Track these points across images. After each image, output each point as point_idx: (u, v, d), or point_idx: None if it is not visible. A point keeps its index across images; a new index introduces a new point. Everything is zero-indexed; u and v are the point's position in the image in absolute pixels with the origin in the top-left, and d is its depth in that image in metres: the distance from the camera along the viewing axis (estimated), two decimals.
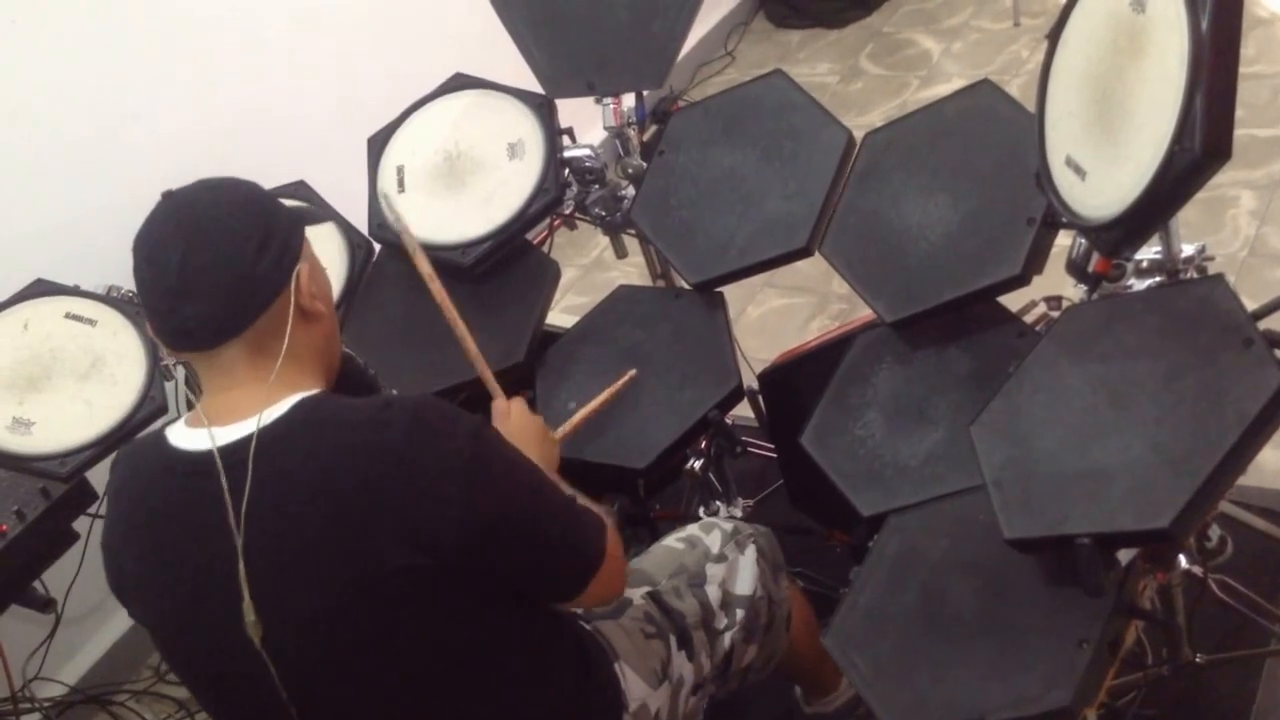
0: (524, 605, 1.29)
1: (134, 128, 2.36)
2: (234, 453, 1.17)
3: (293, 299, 1.21)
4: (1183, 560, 1.48)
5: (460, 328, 1.63)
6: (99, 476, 1.61)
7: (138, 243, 1.20)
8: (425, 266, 1.63)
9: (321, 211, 1.37)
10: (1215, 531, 1.49)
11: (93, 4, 2.28)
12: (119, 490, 1.29)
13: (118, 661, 2.40)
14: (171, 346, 1.24)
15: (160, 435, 1.25)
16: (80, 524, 1.86)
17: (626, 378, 1.75)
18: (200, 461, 1.18)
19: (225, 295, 1.18)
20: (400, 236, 1.68)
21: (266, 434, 1.16)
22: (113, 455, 1.41)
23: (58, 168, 2.25)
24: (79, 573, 1.99)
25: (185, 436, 1.22)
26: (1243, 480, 1.21)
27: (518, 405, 1.59)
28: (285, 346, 1.20)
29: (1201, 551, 1.49)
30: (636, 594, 1.53)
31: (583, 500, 1.34)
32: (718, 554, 1.60)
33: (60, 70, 2.24)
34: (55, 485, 1.76)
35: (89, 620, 2.32)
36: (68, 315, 1.86)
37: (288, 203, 1.39)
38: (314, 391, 1.22)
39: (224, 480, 1.16)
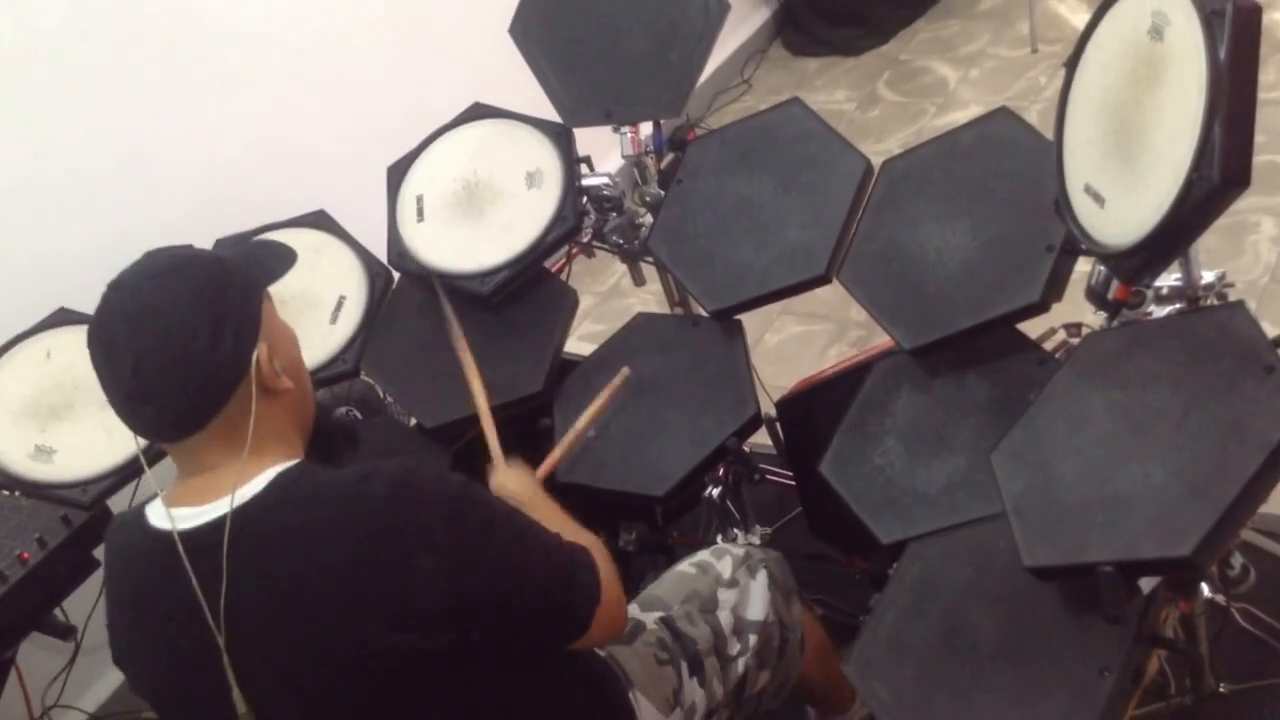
0: (530, 650, 1.27)
1: (156, 158, 2.39)
2: (210, 534, 1.15)
3: (255, 382, 1.18)
4: (1205, 589, 1.46)
5: (481, 398, 1.68)
6: (120, 504, 1.62)
7: (90, 340, 1.18)
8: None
9: (288, 253, 1.35)
10: (1238, 560, 1.47)
11: (115, 36, 2.31)
12: (109, 566, 1.29)
13: None
14: (141, 436, 1.22)
15: (141, 514, 1.23)
16: (101, 551, 1.87)
17: (620, 378, 1.71)
18: (176, 544, 1.16)
19: (184, 394, 1.16)
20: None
21: (241, 515, 1.15)
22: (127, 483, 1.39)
23: (80, 197, 2.27)
24: (99, 600, 1.99)
25: (163, 517, 1.20)
26: (1265, 508, 1.20)
27: (519, 475, 1.58)
28: (253, 426, 1.18)
29: (1224, 580, 1.48)
30: (650, 619, 1.53)
31: (571, 533, 1.32)
32: (729, 579, 1.60)
33: (83, 101, 2.27)
34: (77, 513, 1.77)
35: (109, 648, 2.32)
36: None
37: (263, 239, 1.34)
38: (289, 464, 1.20)
39: (191, 573, 1.14)
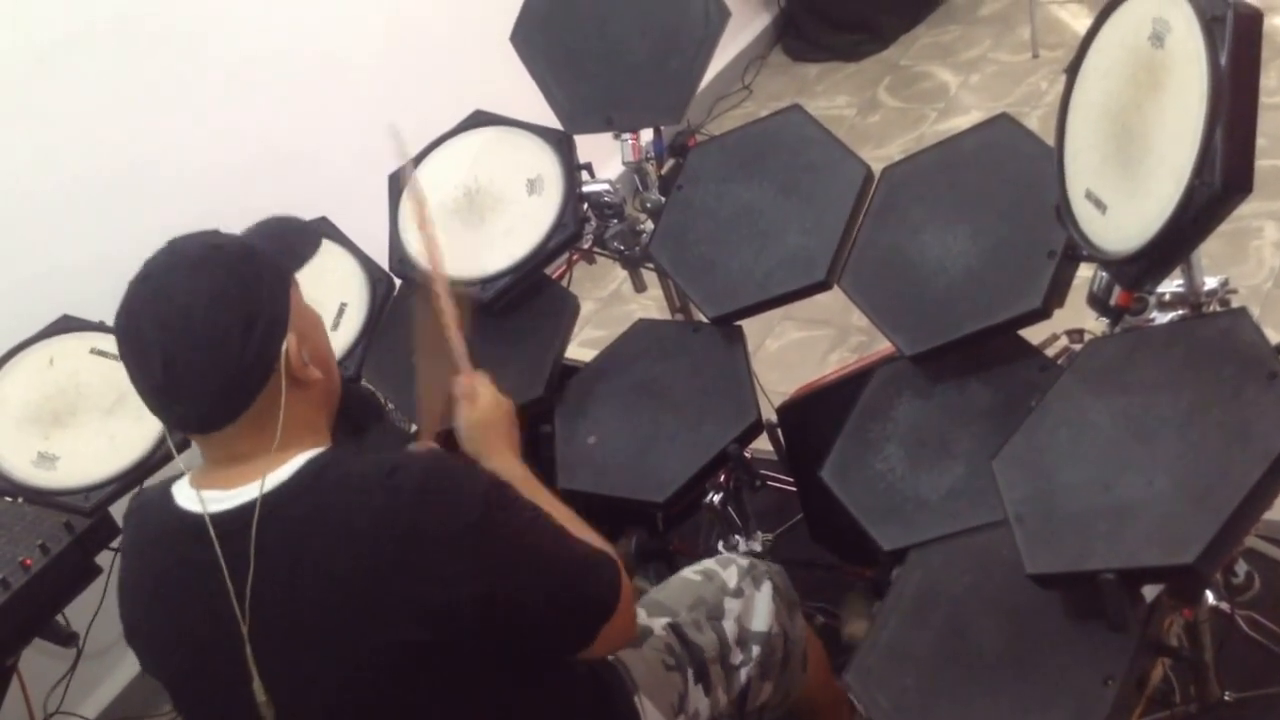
0: (537, 655, 1.27)
1: (159, 166, 2.39)
2: (237, 518, 1.15)
3: (284, 374, 1.18)
4: (1209, 596, 1.46)
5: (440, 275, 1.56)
6: (122, 510, 1.62)
7: (118, 333, 1.17)
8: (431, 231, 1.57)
9: (313, 234, 1.35)
10: (1242, 567, 1.47)
11: (119, 45, 2.32)
12: (130, 543, 1.28)
13: (138, 696, 2.40)
14: (170, 429, 1.22)
15: (167, 492, 1.23)
16: (103, 558, 1.87)
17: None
18: (204, 527, 1.16)
19: (215, 391, 1.15)
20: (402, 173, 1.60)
21: (270, 501, 1.14)
22: (130, 496, 1.40)
23: (84, 205, 2.28)
24: (101, 607, 1.99)
25: (190, 498, 1.19)
26: (1269, 515, 1.19)
27: (484, 386, 1.52)
28: (283, 418, 1.18)
29: (1228, 587, 1.47)
30: (658, 624, 1.52)
31: (595, 541, 1.31)
32: (734, 589, 1.59)
33: (87, 110, 2.28)
34: (79, 519, 1.77)
35: (110, 654, 2.32)
36: (93, 351, 1.88)
37: (279, 217, 1.34)
38: (318, 451, 1.19)
39: (222, 560, 1.14)
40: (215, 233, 1.23)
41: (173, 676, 1.27)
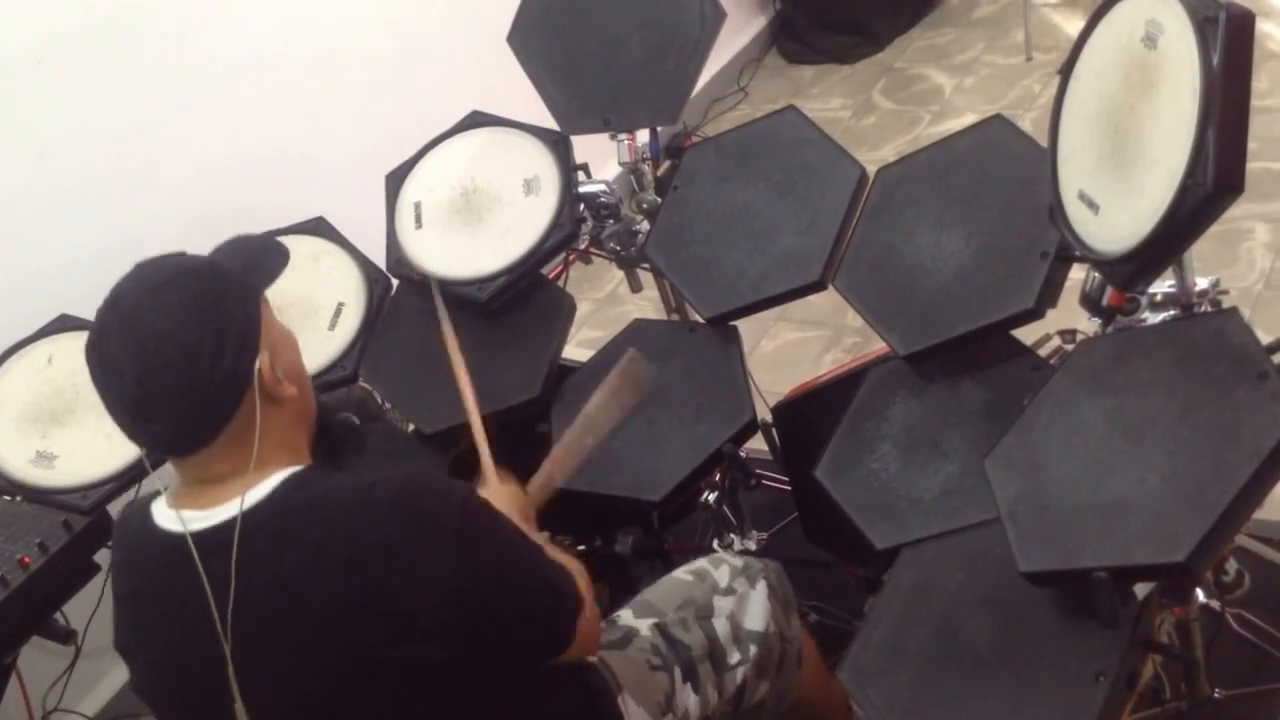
0: (520, 661, 1.28)
1: (156, 165, 2.39)
2: (216, 536, 1.15)
3: (258, 392, 1.17)
4: (1200, 594, 1.47)
5: (473, 410, 1.63)
6: (120, 509, 1.63)
7: (89, 356, 1.16)
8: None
9: (280, 250, 1.32)
10: (1232, 565, 1.48)
11: (117, 44, 2.32)
12: (115, 557, 1.29)
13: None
14: (146, 450, 1.22)
15: (146, 511, 1.22)
16: (101, 556, 1.87)
17: (626, 359, 1.61)
18: (183, 546, 1.16)
19: (188, 413, 1.14)
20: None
21: (250, 519, 1.14)
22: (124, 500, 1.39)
23: (82, 204, 2.28)
24: (99, 605, 2.00)
25: (169, 518, 1.19)
26: (1260, 514, 1.21)
27: (508, 491, 1.54)
28: (258, 437, 1.17)
29: (1219, 585, 1.48)
30: (644, 625, 1.53)
31: (551, 551, 1.32)
32: (726, 588, 1.60)
33: (85, 109, 2.28)
34: (77, 518, 1.77)
35: (109, 652, 2.28)
36: None
37: (255, 235, 1.33)
38: (297, 468, 1.19)
39: (205, 579, 1.14)
40: (181, 254, 1.23)
41: (158, 697, 1.28)
